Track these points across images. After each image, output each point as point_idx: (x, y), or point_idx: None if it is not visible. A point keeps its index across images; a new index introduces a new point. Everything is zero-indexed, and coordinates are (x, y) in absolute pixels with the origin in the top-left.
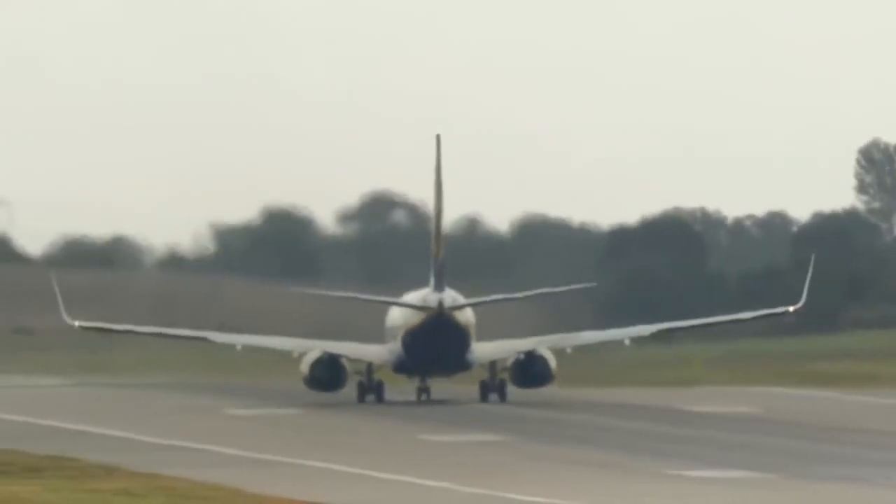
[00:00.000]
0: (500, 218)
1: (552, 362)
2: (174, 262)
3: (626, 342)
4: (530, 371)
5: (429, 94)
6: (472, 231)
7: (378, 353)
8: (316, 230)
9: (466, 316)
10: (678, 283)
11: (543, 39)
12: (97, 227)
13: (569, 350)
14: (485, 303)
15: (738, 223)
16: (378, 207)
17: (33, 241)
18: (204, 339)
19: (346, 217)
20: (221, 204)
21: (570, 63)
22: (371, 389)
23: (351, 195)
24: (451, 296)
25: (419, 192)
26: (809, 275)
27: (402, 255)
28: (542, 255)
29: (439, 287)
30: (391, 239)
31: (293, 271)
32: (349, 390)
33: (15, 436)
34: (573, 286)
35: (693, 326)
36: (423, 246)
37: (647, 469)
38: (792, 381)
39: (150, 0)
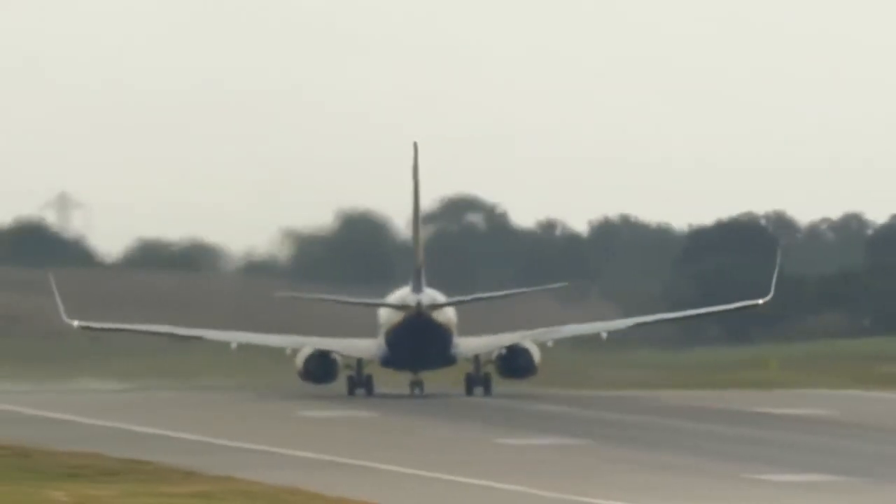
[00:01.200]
0: (579, 219)
1: (536, 355)
2: (252, 267)
3: (603, 335)
4: (514, 364)
5: (502, 94)
6: (551, 232)
7: (367, 348)
8: (391, 234)
9: (446, 315)
10: (753, 285)
11: (618, 43)
12: (175, 230)
13: (550, 343)
14: (462, 302)
15: (814, 227)
16: (454, 210)
17: (110, 243)
18: (199, 339)
19: (422, 221)
20: (298, 208)
21: (645, 67)
22: (361, 383)
23: (427, 199)
24: (429, 296)
25: (495, 195)
26: (777, 268)
27: (478, 258)
28: (620, 255)
29: (417, 288)
30: (467, 242)
31: (368, 275)
32: (340, 384)
33: (91, 439)
34: (548, 286)
35: (679, 318)
36: (499, 248)
37: (725, 472)
38: (868, 383)
39: (229, 3)
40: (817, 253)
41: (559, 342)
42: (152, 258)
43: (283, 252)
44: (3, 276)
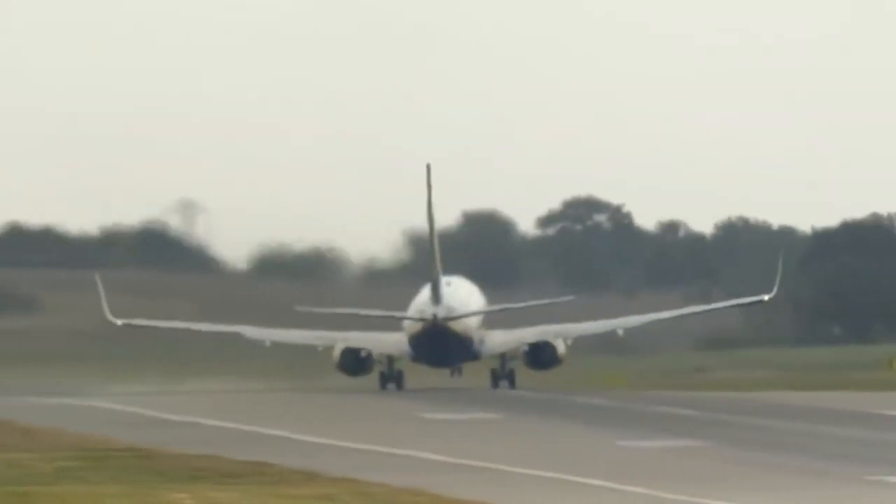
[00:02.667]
0: (702, 221)
1: (560, 348)
2: (373, 271)
3: (620, 332)
4: (540, 357)
5: (626, 96)
6: (674, 233)
7: (396, 343)
8: (517, 234)
9: (464, 323)
10: (881, 287)
11: (747, 44)
12: (296, 235)
13: (569, 342)
14: (481, 312)
15: None
16: (579, 211)
17: (233, 249)
18: (237, 335)
19: (547, 221)
20: (417, 211)
21: (767, 68)
22: (392, 378)
23: (552, 200)
24: (447, 307)
25: (620, 196)
26: (780, 265)
27: (604, 258)
28: (743, 257)
29: (436, 299)
30: (593, 242)
31: (493, 276)
32: (374, 378)
33: (215, 441)
34: (561, 299)
35: (698, 313)
36: (625, 248)
37: (846, 474)
38: None
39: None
40: None
41: (679, 342)
42: (274, 263)
43: (404, 254)
44: (128, 280)
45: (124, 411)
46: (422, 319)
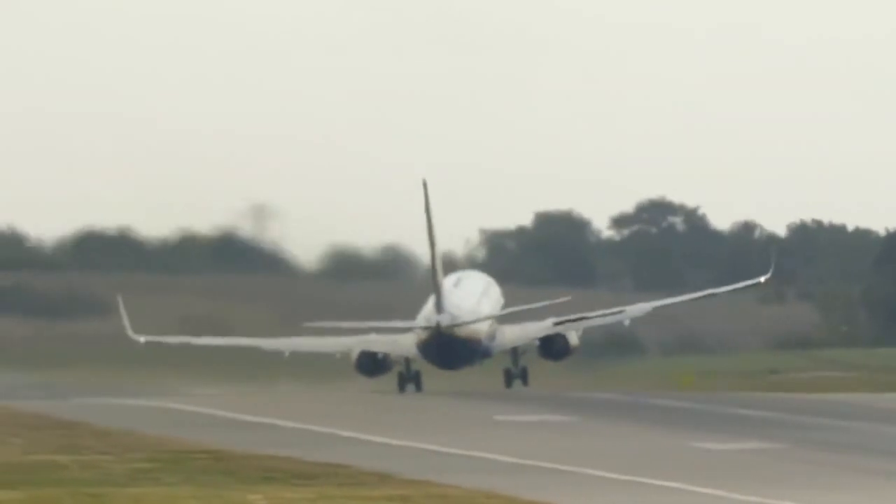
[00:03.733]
0: (777, 222)
1: (573, 340)
2: (446, 268)
3: (626, 322)
4: (553, 349)
5: (687, 99)
6: (749, 234)
7: (410, 346)
8: (590, 234)
9: (469, 328)
10: None
11: (817, 46)
12: (368, 237)
13: (579, 332)
14: (486, 318)
15: None
16: (654, 213)
17: (305, 252)
18: (256, 348)
19: (621, 222)
20: (493, 210)
21: (843, 69)
22: (410, 379)
23: (627, 201)
24: (450, 315)
25: (694, 199)
26: (774, 251)
27: (678, 259)
28: (818, 258)
29: (439, 308)
30: (667, 243)
31: (568, 275)
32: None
33: (291, 442)
34: (553, 301)
35: (683, 302)
36: (698, 250)
37: None
38: None
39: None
40: None
41: (752, 342)
42: (347, 265)
43: (479, 254)
44: (203, 284)
45: (199, 412)
46: (427, 328)
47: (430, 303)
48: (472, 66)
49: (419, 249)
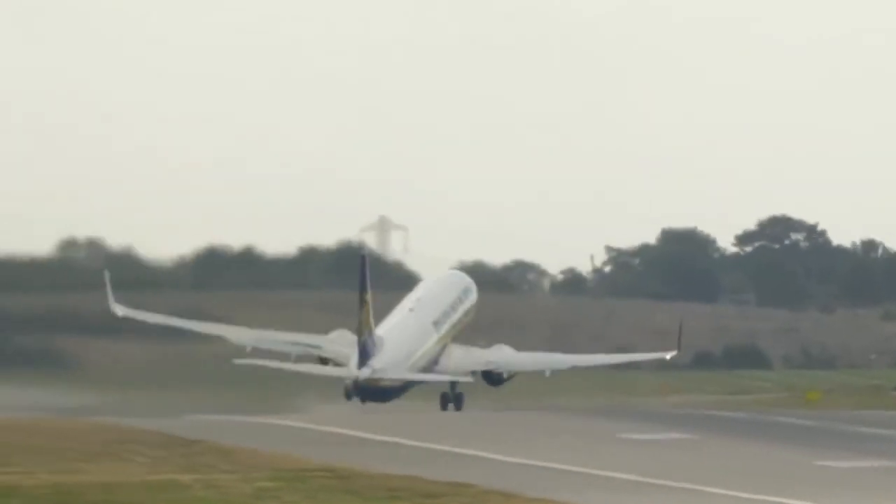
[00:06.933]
0: None
1: (505, 374)
2: (572, 285)
3: (547, 374)
4: (491, 377)
5: (809, 119)
6: (871, 252)
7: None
8: (713, 251)
9: (393, 375)
10: None
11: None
12: (492, 250)
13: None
14: (396, 380)
15: None
16: (776, 230)
17: (428, 267)
18: (220, 338)
19: (744, 239)
20: (618, 227)
21: None
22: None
23: (749, 219)
24: (372, 368)
25: (815, 216)
26: (680, 329)
27: (801, 276)
28: None
29: (362, 361)
30: (790, 260)
31: (693, 290)
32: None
33: (413, 461)
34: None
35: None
36: (820, 266)
37: None
38: None
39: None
40: None
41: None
42: (471, 277)
43: (604, 270)
44: (324, 299)
45: (319, 430)
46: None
47: (355, 353)
48: (596, 87)
49: (544, 263)
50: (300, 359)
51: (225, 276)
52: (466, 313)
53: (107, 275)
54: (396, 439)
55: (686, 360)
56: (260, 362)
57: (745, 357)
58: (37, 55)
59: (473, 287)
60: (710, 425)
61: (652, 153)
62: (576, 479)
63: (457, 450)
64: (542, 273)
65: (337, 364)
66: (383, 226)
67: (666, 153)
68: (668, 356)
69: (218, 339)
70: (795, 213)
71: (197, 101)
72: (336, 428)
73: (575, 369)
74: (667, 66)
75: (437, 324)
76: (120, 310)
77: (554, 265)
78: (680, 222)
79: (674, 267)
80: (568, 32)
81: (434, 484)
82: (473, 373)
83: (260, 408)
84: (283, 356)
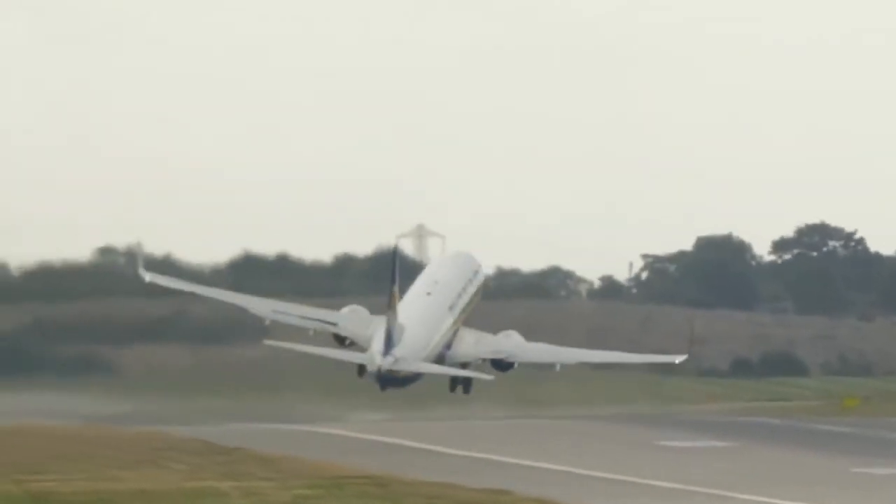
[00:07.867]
0: None
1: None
2: (608, 291)
3: (557, 368)
4: (500, 364)
5: (844, 125)
6: None
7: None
8: (751, 258)
9: (412, 364)
10: None
11: None
12: (530, 256)
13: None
14: (415, 372)
15: None
16: (813, 237)
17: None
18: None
19: (781, 246)
20: (655, 235)
21: None
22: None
23: (787, 226)
24: (393, 358)
25: (853, 223)
26: (692, 332)
27: (840, 283)
28: None
29: (387, 349)
30: (828, 267)
31: (730, 296)
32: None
33: (450, 469)
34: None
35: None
36: (858, 273)
37: None
38: None
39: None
40: None
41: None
42: (509, 284)
43: (640, 276)
44: (365, 303)
45: (359, 437)
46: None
47: (377, 339)
48: (633, 96)
49: (581, 270)
50: (318, 335)
51: (261, 283)
52: (476, 294)
53: (139, 243)
54: (434, 447)
55: (724, 367)
56: (287, 345)
57: (783, 364)
58: (55, 55)
59: (482, 268)
60: (749, 432)
61: (687, 161)
62: (615, 486)
63: (495, 457)
64: (578, 280)
65: (353, 343)
66: (421, 233)
67: (701, 162)
68: (677, 360)
69: (258, 346)
70: (833, 221)
71: (234, 111)
72: (374, 436)
73: (582, 364)
74: (706, 75)
75: (451, 308)
76: (148, 276)
77: (591, 272)
78: (715, 229)
79: (709, 274)
80: (604, 42)
81: (473, 491)
82: (483, 360)
83: (296, 416)
84: (301, 331)
